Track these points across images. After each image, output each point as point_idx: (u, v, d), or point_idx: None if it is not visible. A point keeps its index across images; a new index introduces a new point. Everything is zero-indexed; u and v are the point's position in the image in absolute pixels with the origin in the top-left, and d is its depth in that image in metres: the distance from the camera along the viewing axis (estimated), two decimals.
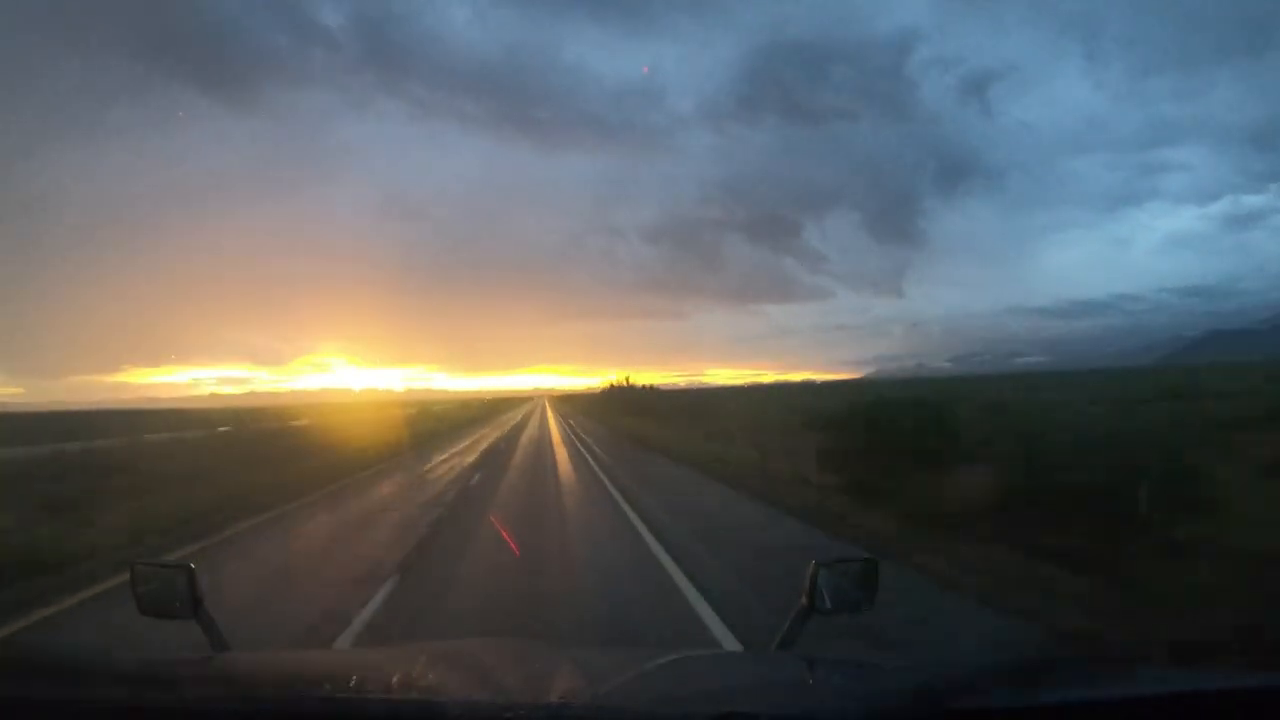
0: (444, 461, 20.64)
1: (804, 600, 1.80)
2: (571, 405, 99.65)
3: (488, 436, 33.28)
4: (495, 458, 21.20)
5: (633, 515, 10.21)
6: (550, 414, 66.02)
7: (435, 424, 42.59)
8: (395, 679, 1.41)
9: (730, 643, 4.84)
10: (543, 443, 27.52)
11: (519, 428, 40.79)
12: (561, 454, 22.15)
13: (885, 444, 10.47)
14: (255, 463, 16.78)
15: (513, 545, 8.21)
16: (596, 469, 17.25)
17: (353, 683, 1.41)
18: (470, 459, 21.14)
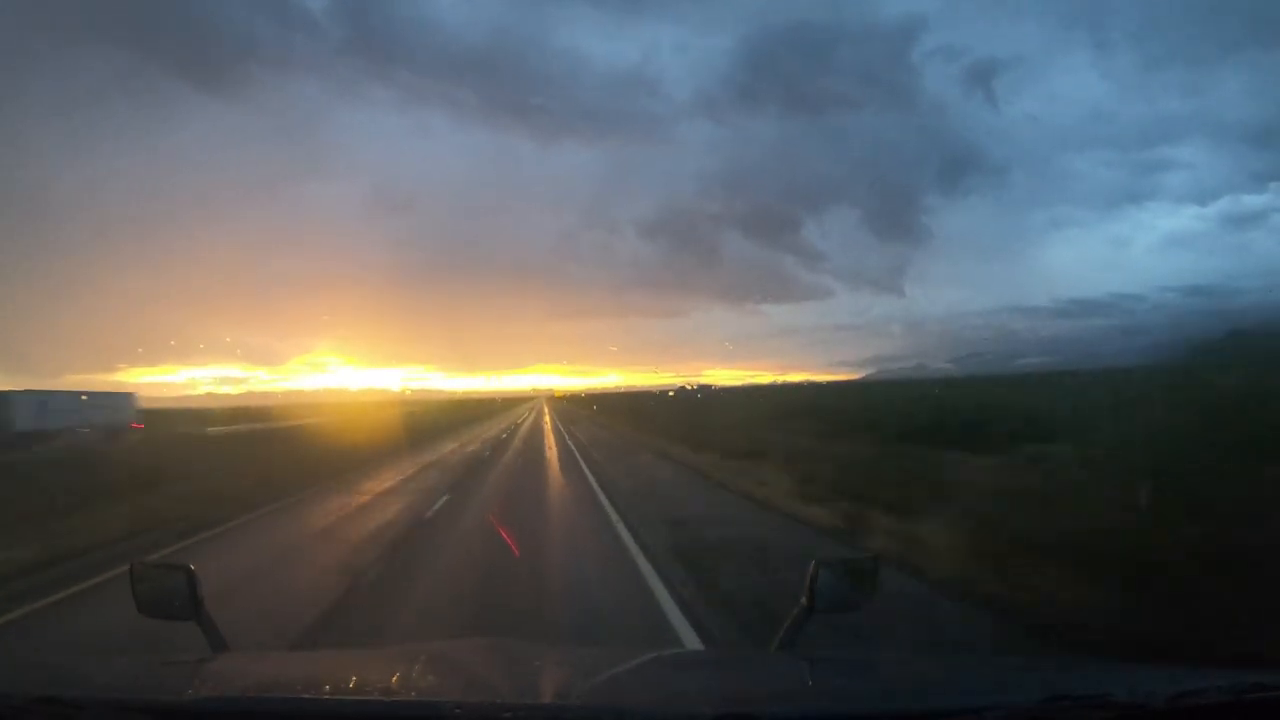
0: None
1: (804, 600, 1.79)
2: (578, 409, 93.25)
3: None
4: None
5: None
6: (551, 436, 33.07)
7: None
8: (394, 680, 1.47)
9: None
10: None
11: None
12: None
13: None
14: None
15: None
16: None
17: (352, 684, 1.49)
18: None
